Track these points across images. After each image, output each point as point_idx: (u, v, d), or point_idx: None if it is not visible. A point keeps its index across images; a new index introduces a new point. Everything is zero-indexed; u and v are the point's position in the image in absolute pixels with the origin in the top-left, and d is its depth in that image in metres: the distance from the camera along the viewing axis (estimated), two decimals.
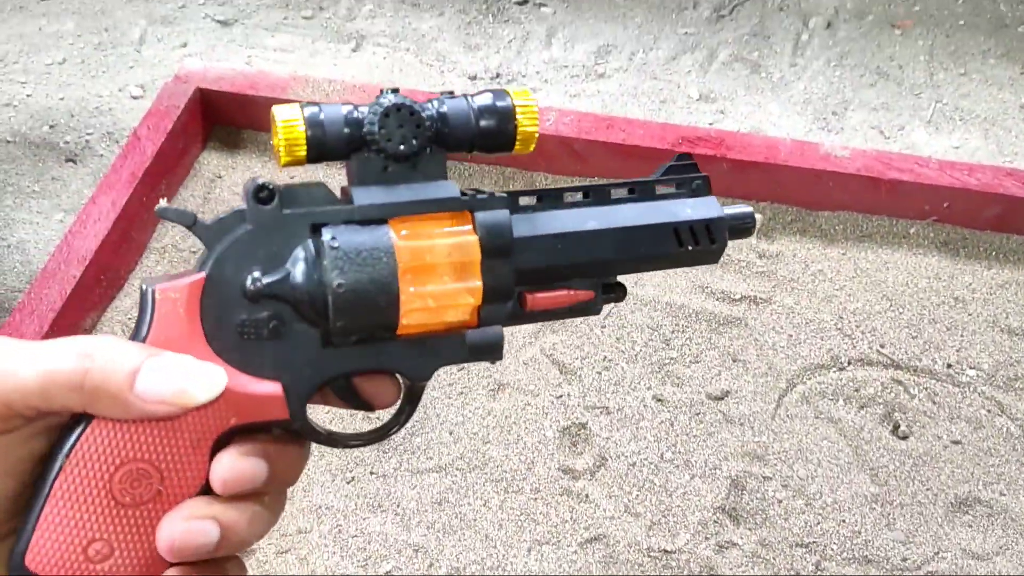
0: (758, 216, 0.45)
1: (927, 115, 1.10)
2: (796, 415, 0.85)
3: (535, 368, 0.89)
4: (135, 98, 1.23)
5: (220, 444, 0.36)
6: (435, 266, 0.37)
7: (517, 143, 0.39)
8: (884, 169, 0.93)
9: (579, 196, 0.42)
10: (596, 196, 0.42)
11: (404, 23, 1.31)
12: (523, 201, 0.41)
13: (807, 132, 1.11)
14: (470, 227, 0.38)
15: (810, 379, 0.88)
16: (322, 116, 0.36)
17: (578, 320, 0.93)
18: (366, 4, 1.35)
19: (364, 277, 0.36)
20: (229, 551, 0.35)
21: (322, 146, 0.36)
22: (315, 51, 1.29)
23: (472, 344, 0.39)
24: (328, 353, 0.37)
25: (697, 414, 0.86)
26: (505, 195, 0.39)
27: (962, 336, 0.88)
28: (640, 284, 0.96)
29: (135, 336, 0.35)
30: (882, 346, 0.88)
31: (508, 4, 1.33)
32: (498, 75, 1.22)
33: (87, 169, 1.14)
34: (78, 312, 0.90)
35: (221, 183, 1.06)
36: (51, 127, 1.18)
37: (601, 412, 0.86)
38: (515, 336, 0.92)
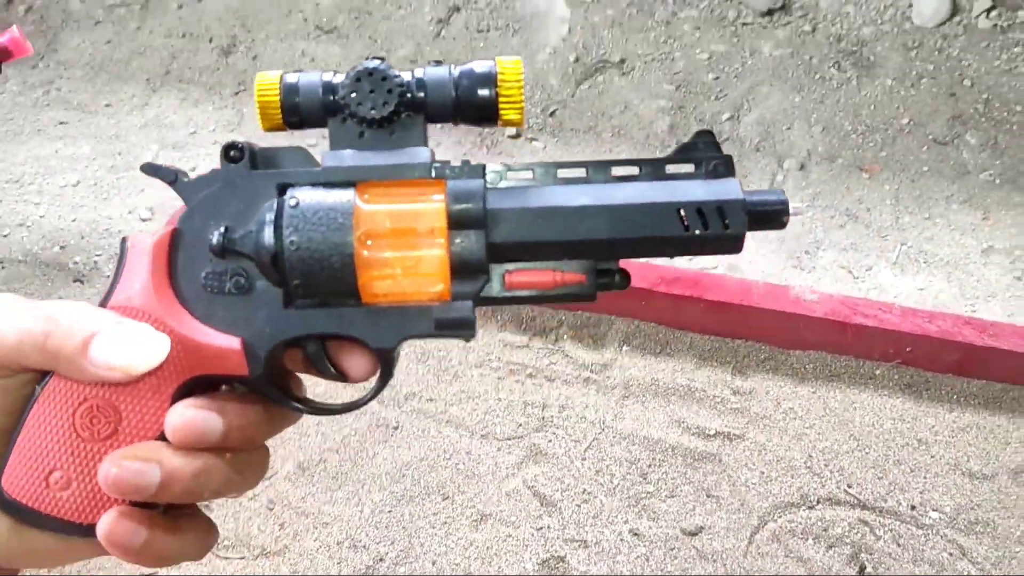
0: (797, 206, 0.41)
1: (893, 257, 1.16)
2: (767, 553, 0.88)
3: (517, 499, 0.93)
4: (144, 220, 1.29)
5: (185, 395, 0.36)
6: (396, 232, 0.36)
7: (501, 112, 0.37)
8: (850, 314, 0.99)
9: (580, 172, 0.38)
10: (596, 172, 0.38)
11: None
12: (516, 175, 0.39)
13: (782, 270, 1.17)
14: (441, 195, 0.37)
15: (780, 517, 0.91)
16: (298, 82, 0.37)
17: (559, 450, 0.97)
18: None
19: (318, 236, 0.36)
20: (173, 499, 0.36)
21: (297, 111, 0.37)
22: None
23: (438, 319, 0.37)
24: (289, 314, 0.37)
25: (672, 549, 0.89)
26: (480, 164, 0.37)
27: (925, 478, 0.92)
28: (619, 417, 1.00)
29: (110, 284, 0.37)
30: (849, 486, 0.92)
31: (502, 137, 1.40)
32: None
33: (93, 289, 1.19)
34: None
35: None
36: (62, 248, 1.24)
37: (579, 545, 0.89)
38: (499, 466, 0.96)
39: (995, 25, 1.49)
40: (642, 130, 1.37)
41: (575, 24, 1.54)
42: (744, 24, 1.55)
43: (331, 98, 0.37)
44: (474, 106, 0.37)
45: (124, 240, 0.37)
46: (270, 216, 0.36)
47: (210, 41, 1.61)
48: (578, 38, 1.53)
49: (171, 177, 0.38)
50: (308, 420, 0.99)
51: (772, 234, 1.19)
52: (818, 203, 1.25)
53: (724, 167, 0.38)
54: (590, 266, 0.38)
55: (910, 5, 1.54)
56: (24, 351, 0.34)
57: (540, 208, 0.37)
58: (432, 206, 0.36)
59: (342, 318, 0.37)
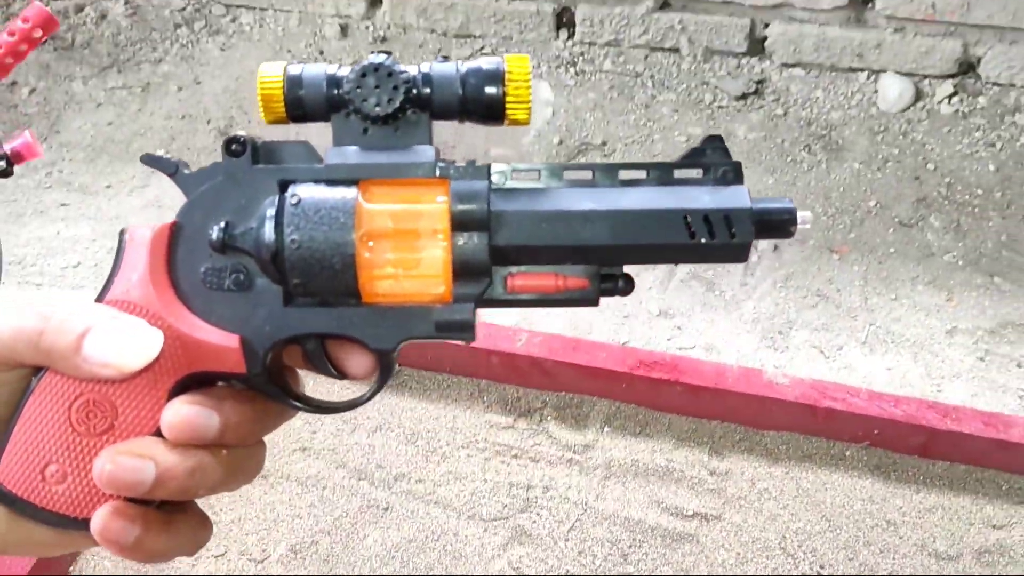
0: (804, 214, 0.39)
1: (863, 337, 1.22)
2: None
3: None
4: None
5: (182, 391, 0.36)
6: (398, 232, 0.36)
7: (508, 111, 0.37)
8: (819, 397, 1.04)
9: (586, 175, 0.38)
10: (603, 176, 0.38)
11: None
12: (522, 176, 0.38)
13: (756, 350, 1.22)
14: (444, 196, 0.36)
15: None
16: (302, 74, 0.37)
17: (543, 531, 1.01)
18: None
19: (319, 235, 0.35)
20: (168, 496, 0.36)
21: (300, 105, 0.37)
22: None
23: (438, 321, 0.37)
24: (289, 312, 0.37)
25: None
26: (486, 165, 0.37)
27: (894, 559, 0.96)
28: (600, 498, 1.04)
29: (108, 276, 0.37)
30: (822, 567, 0.96)
31: None
32: None
33: None
34: None
35: None
36: None
37: None
38: (485, 547, 0.99)
39: (956, 111, 1.57)
40: None
41: (559, 107, 1.61)
42: (720, 107, 1.63)
43: (335, 92, 0.37)
44: (481, 104, 0.37)
45: (123, 232, 0.37)
46: (271, 213, 0.36)
47: (208, 122, 1.67)
48: (561, 121, 1.60)
49: (172, 169, 0.37)
50: (301, 502, 1.02)
51: (747, 314, 1.24)
52: (791, 284, 1.30)
53: (733, 174, 0.38)
54: (593, 271, 0.38)
55: (875, 91, 1.62)
56: (19, 348, 0.34)
57: (544, 211, 0.37)
58: (435, 207, 0.36)
59: (342, 317, 0.37)
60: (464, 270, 0.36)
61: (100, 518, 0.35)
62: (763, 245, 1.37)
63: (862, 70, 1.64)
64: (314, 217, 0.35)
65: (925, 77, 1.62)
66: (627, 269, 0.38)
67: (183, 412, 0.35)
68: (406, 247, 0.36)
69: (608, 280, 0.38)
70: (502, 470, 1.07)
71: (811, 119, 1.59)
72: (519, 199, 0.37)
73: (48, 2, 1.95)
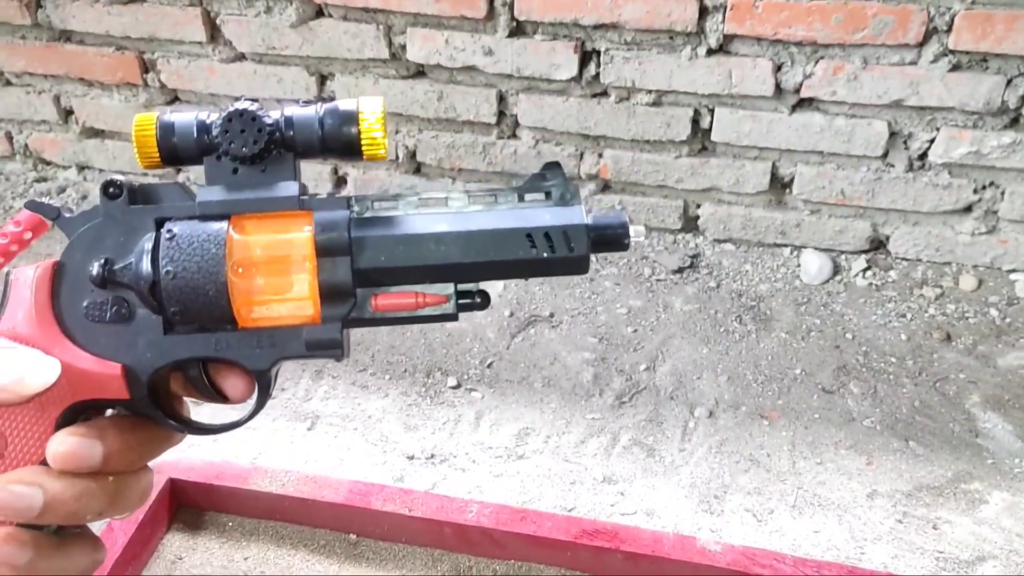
0: (638, 228, 0.43)
1: (791, 500, 1.31)
2: None
3: None
4: None
5: (70, 419, 0.39)
6: (267, 260, 0.39)
7: (364, 148, 0.41)
8: (749, 564, 1.12)
9: (431, 200, 0.42)
10: (455, 201, 0.42)
11: (354, 404, 1.53)
12: (381, 205, 0.42)
13: (694, 513, 1.30)
14: (308, 226, 0.40)
15: None
16: (174, 122, 0.40)
17: None
18: (322, 385, 1.57)
19: (192, 265, 0.38)
20: (57, 521, 0.38)
21: (173, 150, 0.40)
22: (275, 429, 1.48)
23: (308, 340, 0.41)
24: (169, 340, 0.40)
25: None
26: (346, 196, 0.41)
27: None
28: None
29: None
30: None
31: (443, 388, 1.56)
32: (432, 455, 1.42)
33: None
34: None
35: (181, 564, 1.20)
36: None
37: None
38: None
39: (870, 284, 1.73)
40: (569, 380, 1.54)
41: (509, 282, 1.75)
42: (658, 280, 1.77)
43: (205, 138, 0.41)
44: (339, 143, 0.41)
45: (8, 273, 0.39)
46: (148, 247, 0.39)
47: None
48: (512, 295, 1.73)
49: (54, 214, 0.41)
50: None
51: (684, 479, 1.33)
52: (725, 449, 1.40)
53: (571, 195, 0.42)
54: (452, 289, 0.42)
55: (799, 265, 1.78)
56: None
57: (401, 235, 0.40)
58: (300, 235, 0.40)
59: (219, 342, 0.40)
60: (330, 293, 0.40)
61: None
62: (699, 412, 1.47)
63: (785, 245, 1.81)
64: (187, 249, 0.38)
65: (841, 252, 1.78)
66: (485, 285, 0.43)
67: (67, 443, 0.38)
68: (275, 274, 0.39)
69: (465, 296, 0.43)
70: None
71: (741, 291, 1.73)
72: (377, 226, 0.41)
73: (31, 184, 2.08)
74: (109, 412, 0.42)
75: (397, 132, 1.86)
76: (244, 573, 1.20)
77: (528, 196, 0.43)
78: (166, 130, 0.40)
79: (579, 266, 0.42)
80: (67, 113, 2.02)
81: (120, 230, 0.40)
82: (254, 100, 0.41)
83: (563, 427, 1.47)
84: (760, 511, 1.30)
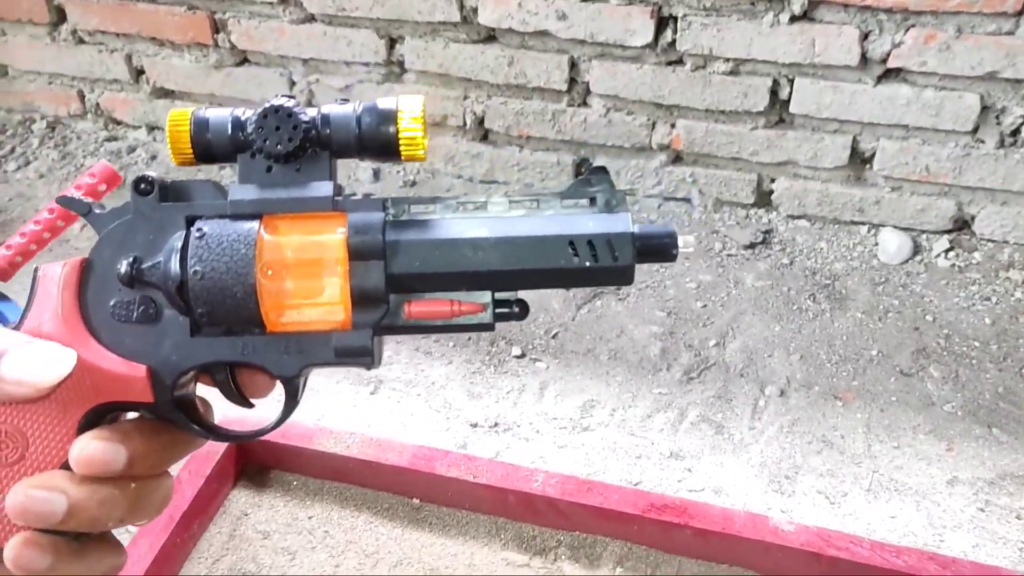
0: (687, 238, 0.41)
1: (866, 484, 1.26)
2: None
3: None
4: None
5: (93, 422, 0.38)
6: (298, 262, 0.38)
7: (402, 148, 0.40)
8: (824, 546, 1.08)
9: (471, 205, 0.41)
10: (495, 206, 0.41)
11: (417, 370, 1.52)
12: (418, 208, 0.41)
13: (764, 493, 1.27)
14: (343, 227, 0.39)
15: None
16: (209, 118, 0.39)
17: None
18: (385, 351, 1.56)
19: (221, 266, 0.37)
20: (79, 527, 0.37)
21: (208, 146, 0.39)
22: (338, 392, 1.48)
23: (338, 347, 0.39)
24: (196, 342, 0.39)
25: None
26: (382, 198, 0.40)
27: None
28: None
29: (22, 313, 0.38)
30: None
31: (508, 356, 1.54)
32: (496, 424, 1.40)
33: None
34: None
35: (247, 520, 1.21)
36: None
37: None
38: None
39: (953, 265, 1.66)
40: (636, 354, 1.51)
41: None
42: (729, 255, 1.72)
43: (240, 135, 0.40)
44: (377, 142, 0.40)
45: (36, 270, 0.38)
46: (177, 245, 0.38)
47: None
48: None
49: (85, 209, 0.40)
50: None
51: (754, 458, 1.29)
52: (797, 429, 1.36)
53: (618, 202, 0.41)
54: (488, 297, 0.40)
55: (876, 244, 1.72)
56: None
57: (437, 240, 0.39)
58: (334, 237, 0.38)
59: (246, 346, 0.39)
60: (362, 298, 0.39)
61: (12, 548, 0.37)
62: (770, 391, 1.43)
63: (863, 223, 1.75)
64: (216, 249, 0.37)
65: (922, 232, 1.71)
66: (525, 294, 0.41)
67: (91, 447, 0.37)
68: (306, 276, 0.38)
69: (502, 305, 0.41)
70: None
71: (816, 269, 1.68)
72: (413, 229, 0.39)
73: (102, 143, 2.10)
74: (131, 415, 0.41)
75: (466, 98, 1.84)
76: (308, 531, 1.19)
77: (572, 201, 0.41)
78: (200, 126, 0.39)
79: (624, 276, 0.40)
80: (138, 73, 2.04)
81: (150, 227, 0.39)
82: (291, 97, 0.40)
83: (629, 400, 1.44)
84: (833, 493, 1.26)
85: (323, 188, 0.40)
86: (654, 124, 1.77)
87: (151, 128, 2.11)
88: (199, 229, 0.38)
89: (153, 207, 0.39)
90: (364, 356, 0.40)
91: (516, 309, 0.41)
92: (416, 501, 1.23)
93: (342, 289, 0.38)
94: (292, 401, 0.41)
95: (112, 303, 0.38)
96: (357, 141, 0.40)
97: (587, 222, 0.40)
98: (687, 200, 1.79)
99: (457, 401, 1.46)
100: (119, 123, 2.13)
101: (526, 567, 1.16)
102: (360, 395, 1.47)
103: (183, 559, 1.15)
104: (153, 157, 2.06)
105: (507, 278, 0.40)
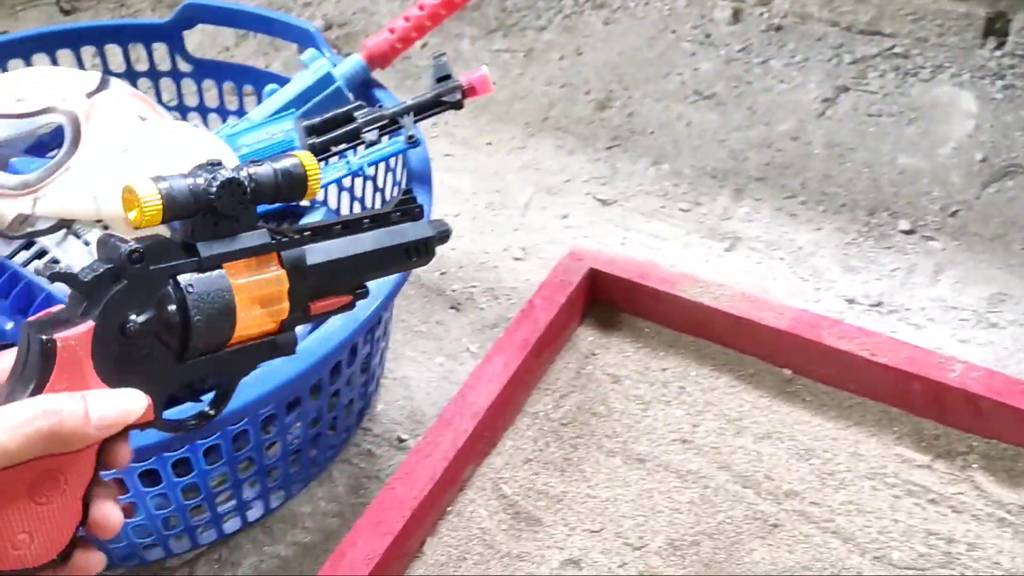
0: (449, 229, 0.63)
1: None
2: None
3: None
4: (517, 260, 1.31)
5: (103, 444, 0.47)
6: (260, 296, 0.51)
7: (306, 195, 0.54)
8: None
9: (339, 227, 0.57)
10: (351, 228, 0.57)
11: (780, 232, 1.32)
12: (308, 237, 0.55)
13: None
14: (278, 264, 0.52)
15: None
16: (173, 191, 0.48)
17: None
18: (743, 207, 1.38)
19: (215, 311, 0.49)
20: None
21: (174, 213, 0.48)
22: (688, 243, 1.32)
23: (277, 345, 0.53)
24: (181, 367, 0.50)
25: None
26: (298, 236, 0.54)
27: None
28: None
29: (34, 377, 0.44)
30: None
31: (892, 231, 1.30)
32: (879, 303, 1.19)
33: (467, 319, 1.22)
34: (462, 463, 0.94)
35: (595, 360, 1.10)
36: (442, 274, 1.29)
37: None
38: None
39: None
40: None
41: (983, 122, 1.41)
42: None
43: (200, 200, 0.49)
44: (289, 193, 0.52)
45: (44, 340, 0.44)
46: (177, 299, 0.48)
47: (587, 94, 1.64)
48: (986, 137, 1.40)
49: (71, 279, 0.47)
50: (681, 496, 0.94)
51: None
52: None
53: (419, 212, 0.60)
54: (352, 290, 0.58)
55: None
56: (28, 450, 0.41)
57: (334, 260, 0.55)
58: (279, 273, 0.52)
59: (216, 362, 0.51)
60: (294, 310, 0.53)
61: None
62: None
63: None
64: (207, 299, 0.48)
65: None
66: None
67: (127, 450, 0.48)
68: (263, 304, 0.51)
69: (359, 294, 0.58)
70: (916, 514, 0.92)
71: None
72: (317, 252, 0.54)
73: None
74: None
75: None
76: (662, 384, 1.07)
77: (398, 213, 0.60)
78: (169, 199, 0.48)
79: (428, 262, 0.62)
80: None
81: (143, 289, 0.47)
82: (218, 163, 0.50)
83: None
84: None
85: (263, 236, 0.52)
86: None
87: None
88: (190, 285, 0.48)
89: (144, 272, 0.47)
90: (292, 348, 0.54)
91: (364, 291, 0.58)
92: (788, 372, 1.06)
93: (285, 308, 0.52)
94: (226, 402, 0.54)
95: (117, 354, 0.47)
96: (274, 194, 0.52)
97: (409, 231, 0.59)
98: None
99: (829, 272, 1.25)
100: None
101: (926, 469, 0.96)
102: (713, 251, 1.31)
103: (533, 385, 1.06)
104: None
105: (369, 276, 0.58)
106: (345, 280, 0.57)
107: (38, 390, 0.44)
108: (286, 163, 0.52)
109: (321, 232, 0.56)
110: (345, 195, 1.20)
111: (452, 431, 0.94)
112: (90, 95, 0.91)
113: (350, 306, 0.58)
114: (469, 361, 1.16)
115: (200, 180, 0.49)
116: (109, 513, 0.47)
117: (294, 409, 0.87)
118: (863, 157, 1.41)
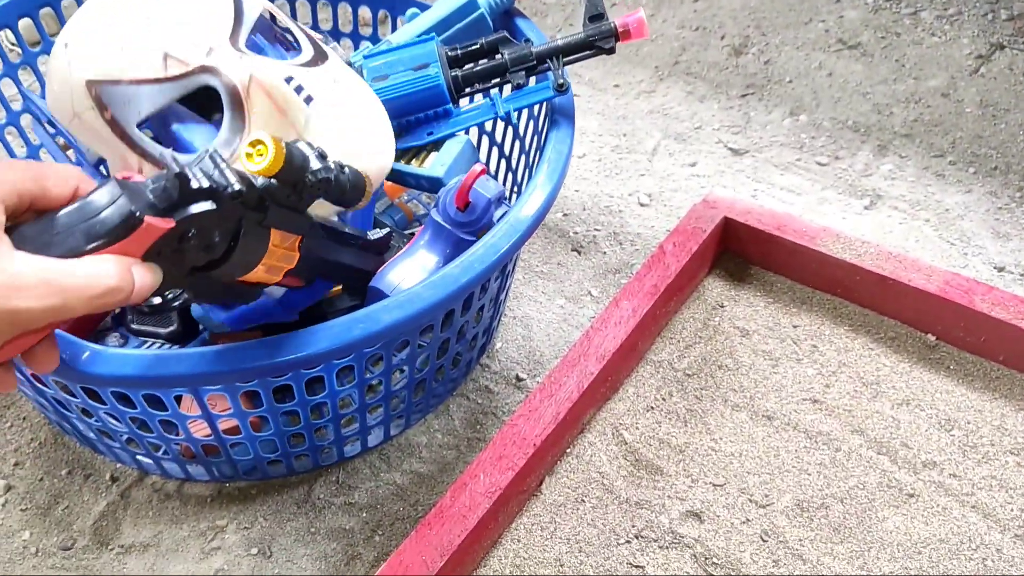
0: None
1: None
2: None
3: None
4: (642, 205, 1.28)
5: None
6: (272, 264, 0.62)
7: (353, 208, 0.68)
8: None
9: (341, 235, 0.73)
10: (346, 240, 0.73)
11: (926, 191, 1.25)
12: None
13: None
14: (296, 248, 0.65)
15: None
16: (294, 157, 0.58)
17: None
18: (886, 163, 1.30)
19: (247, 259, 0.59)
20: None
21: (284, 175, 0.58)
22: (823, 199, 1.26)
23: (240, 293, 0.64)
24: (185, 278, 0.56)
25: None
26: (322, 232, 0.69)
27: None
28: None
29: (103, 238, 0.47)
30: None
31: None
32: None
33: (589, 262, 1.20)
34: (586, 405, 0.93)
35: (722, 313, 1.06)
36: (565, 215, 1.26)
37: None
38: None
39: None
40: None
41: None
42: None
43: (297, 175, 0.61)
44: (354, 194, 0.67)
45: (135, 213, 0.47)
46: (233, 237, 0.57)
47: (722, 38, 1.57)
48: None
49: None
50: (810, 457, 0.90)
51: None
52: None
53: (385, 247, 0.81)
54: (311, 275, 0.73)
55: None
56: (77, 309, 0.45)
57: (325, 259, 0.70)
58: (293, 253, 0.64)
59: (209, 285, 0.59)
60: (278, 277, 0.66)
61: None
62: None
63: None
64: (250, 248, 0.59)
65: None
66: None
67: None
68: (269, 269, 0.63)
69: (310, 282, 0.75)
70: None
71: None
72: (320, 250, 0.70)
73: None
74: None
75: None
76: (793, 341, 1.02)
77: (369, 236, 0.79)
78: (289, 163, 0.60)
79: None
80: None
81: (219, 217, 0.55)
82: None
83: None
84: None
85: (305, 220, 0.64)
86: None
87: None
88: (248, 233, 0.58)
89: (230, 207, 0.54)
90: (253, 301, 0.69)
91: (316, 282, 0.75)
92: (932, 338, 1.00)
93: (279, 276, 0.66)
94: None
95: (157, 250, 0.51)
96: (339, 197, 0.65)
97: (370, 262, 0.81)
98: None
99: (977, 237, 1.18)
100: None
101: None
102: (851, 208, 1.24)
103: (658, 333, 1.04)
104: None
105: (330, 278, 0.77)
106: (315, 271, 0.71)
107: (99, 250, 0.46)
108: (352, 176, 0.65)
109: (333, 236, 0.71)
110: (485, 139, 1.18)
111: (577, 372, 0.92)
112: (234, 43, 0.78)
113: (297, 290, 0.73)
114: (589, 305, 1.14)
115: (318, 165, 0.60)
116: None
117: (425, 335, 0.87)
118: (1019, 119, 1.31)
